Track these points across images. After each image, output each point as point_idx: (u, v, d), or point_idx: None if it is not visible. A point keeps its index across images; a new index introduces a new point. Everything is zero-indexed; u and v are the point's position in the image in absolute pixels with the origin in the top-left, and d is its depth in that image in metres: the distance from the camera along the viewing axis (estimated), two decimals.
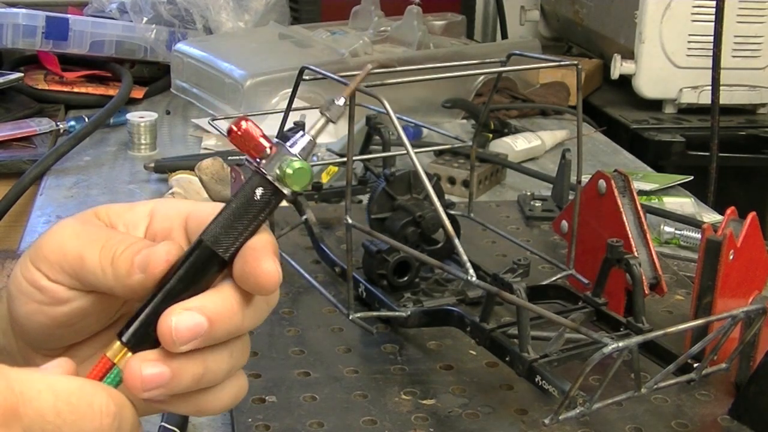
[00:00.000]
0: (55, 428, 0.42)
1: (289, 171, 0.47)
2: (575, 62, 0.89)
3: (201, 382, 0.48)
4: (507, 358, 0.76)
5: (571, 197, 1.19)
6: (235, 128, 0.47)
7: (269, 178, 0.47)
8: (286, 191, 0.47)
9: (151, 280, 0.48)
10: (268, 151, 0.47)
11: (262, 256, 0.47)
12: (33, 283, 0.50)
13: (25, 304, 0.51)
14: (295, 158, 0.47)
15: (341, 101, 0.48)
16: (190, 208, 0.50)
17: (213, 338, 0.47)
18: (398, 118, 0.76)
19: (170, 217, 0.51)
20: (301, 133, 0.48)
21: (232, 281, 0.48)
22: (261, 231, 0.48)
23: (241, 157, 0.49)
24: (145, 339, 0.47)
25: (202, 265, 0.47)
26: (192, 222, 0.51)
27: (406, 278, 0.92)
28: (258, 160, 0.47)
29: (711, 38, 1.48)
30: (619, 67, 1.79)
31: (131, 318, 0.48)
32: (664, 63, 1.78)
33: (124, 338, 0.47)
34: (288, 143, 0.48)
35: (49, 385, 0.43)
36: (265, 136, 0.48)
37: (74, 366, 0.46)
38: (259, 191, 0.47)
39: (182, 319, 0.46)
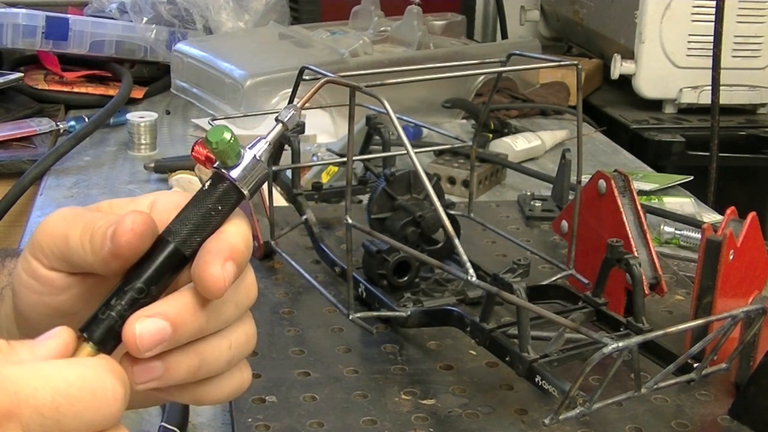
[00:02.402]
0: (55, 423, 0.41)
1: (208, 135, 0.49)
2: (575, 62, 0.89)
3: (198, 373, 0.49)
4: (507, 358, 0.76)
5: (571, 197, 1.18)
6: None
7: (215, 167, 0.49)
8: (236, 181, 0.49)
9: (120, 250, 0.47)
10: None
11: (212, 259, 0.47)
12: (31, 273, 0.51)
13: (27, 297, 0.52)
14: None
15: (296, 110, 0.51)
16: (186, 200, 0.51)
17: (177, 341, 0.47)
18: (398, 118, 0.75)
19: (168, 210, 0.51)
20: (258, 138, 0.50)
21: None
22: (223, 233, 0.48)
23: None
24: (106, 335, 0.47)
25: (166, 260, 0.48)
26: None
27: (406, 278, 0.92)
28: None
29: (711, 38, 1.48)
30: (619, 67, 1.79)
31: (93, 313, 0.48)
32: (664, 63, 1.78)
33: (86, 333, 0.47)
34: (247, 146, 0.50)
35: (47, 379, 0.42)
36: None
37: (72, 334, 0.46)
38: (207, 183, 0.50)
39: (146, 326, 0.46)
